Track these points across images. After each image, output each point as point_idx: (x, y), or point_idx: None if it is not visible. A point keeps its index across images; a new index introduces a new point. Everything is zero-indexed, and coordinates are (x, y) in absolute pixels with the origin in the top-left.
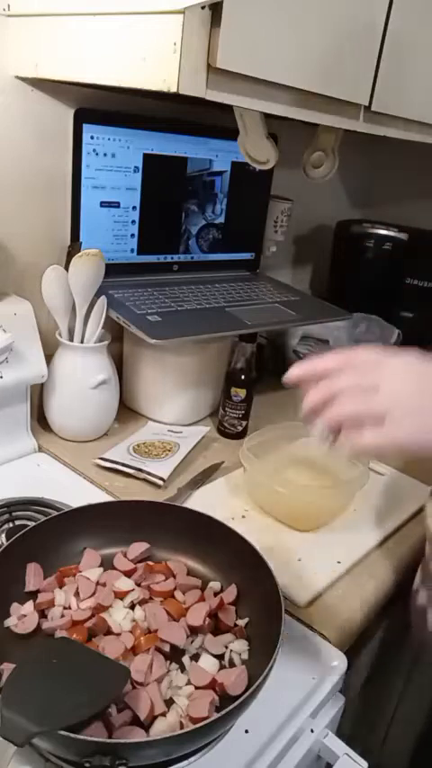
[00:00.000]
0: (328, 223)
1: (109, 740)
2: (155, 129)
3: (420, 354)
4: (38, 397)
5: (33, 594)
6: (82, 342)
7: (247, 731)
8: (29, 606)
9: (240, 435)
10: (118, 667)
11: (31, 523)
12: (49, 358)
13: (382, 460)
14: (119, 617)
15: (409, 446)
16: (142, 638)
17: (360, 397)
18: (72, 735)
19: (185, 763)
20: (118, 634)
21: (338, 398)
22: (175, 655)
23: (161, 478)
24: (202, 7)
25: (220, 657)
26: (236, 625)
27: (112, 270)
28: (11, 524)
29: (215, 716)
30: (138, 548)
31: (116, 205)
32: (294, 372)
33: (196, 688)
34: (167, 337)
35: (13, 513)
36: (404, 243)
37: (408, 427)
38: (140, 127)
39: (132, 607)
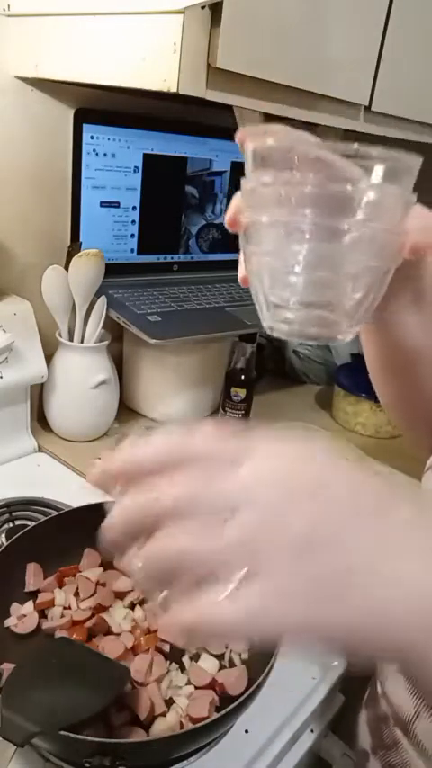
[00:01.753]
0: None
1: (109, 740)
2: (155, 129)
3: (305, 442)
4: (38, 397)
5: (33, 594)
6: (82, 342)
7: (247, 731)
8: (29, 606)
9: None
10: (118, 667)
11: (31, 523)
12: (49, 358)
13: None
14: (119, 617)
15: (294, 630)
16: (142, 638)
17: (206, 525)
18: (72, 735)
19: (185, 763)
20: (118, 634)
21: (165, 523)
22: (175, 655)
23: None
24: (202, 7)
25: (220, 657)
26: None
27: (112, 270)
28: (11, 524)
29: (215, 716)
30: None
31: (116, 205)
32: (97, 471)
33: (196, 688)
34: (167, 337)
35: (13, 513)
36: None
37: (301, 592)
38: (140, 127)
39: (132, 607)
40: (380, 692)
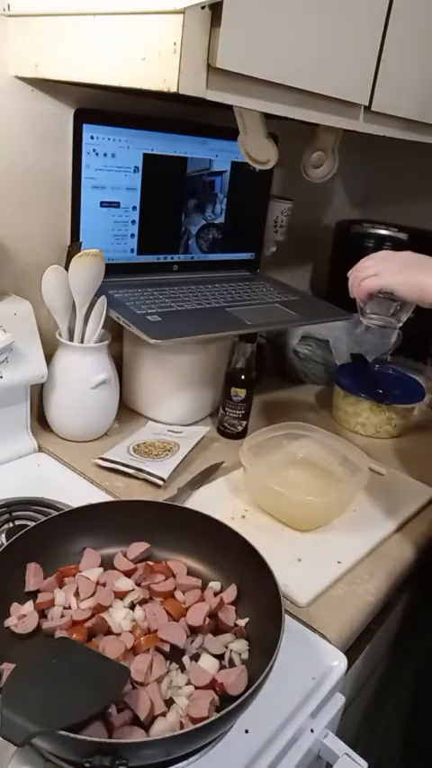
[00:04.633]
0: (328, 223)
1: (109, 740)
2: (155, 129)
3: (412, 253)
4: (38, 397)
5: (33, 594)
6: (82, 342)
7: (247, 731)
8: (29, 606)
9: (240, 435)
10: (118, 667)
11: (31, 523)
12: (49, 358)
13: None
14: (119, 617)
15: (391, 287)
16: (142, 638)
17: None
18: (72, 735)
19: (185, 763)
20: (118, 634)
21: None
22: (175, 655)
23: (161, 478)
24: (202, 7)
25: (220, 657)
26: (236, 625)
27: (112, 270)
28: (11, 524)
29: (215, 716)
30: (138, 548)
31: (116, 205)
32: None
33: (196, 688)
34: (167, 337)
35: (13, 513)
36: (404, 243)
37: (389, 278)
38: (140, 127)
39: (132, 607)
40: None
